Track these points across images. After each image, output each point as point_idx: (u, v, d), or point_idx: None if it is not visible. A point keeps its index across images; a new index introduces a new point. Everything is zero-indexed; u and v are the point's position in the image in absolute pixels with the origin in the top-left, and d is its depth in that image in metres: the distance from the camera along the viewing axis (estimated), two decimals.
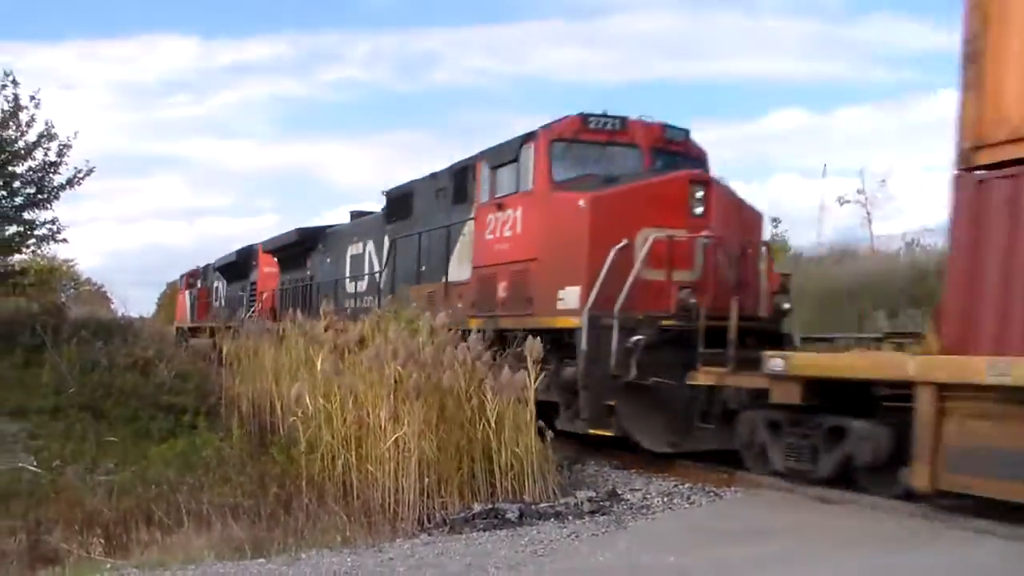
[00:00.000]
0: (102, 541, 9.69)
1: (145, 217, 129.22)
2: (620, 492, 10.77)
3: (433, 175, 16.30)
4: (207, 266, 30.97)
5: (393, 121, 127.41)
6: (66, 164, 22.36)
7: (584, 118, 13.28)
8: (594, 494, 10.50)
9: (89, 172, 22.66)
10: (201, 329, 26.70)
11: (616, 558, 7.89)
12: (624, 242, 11.68)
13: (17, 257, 24.31)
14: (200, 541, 9.24)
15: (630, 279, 11.43)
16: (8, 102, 21.60)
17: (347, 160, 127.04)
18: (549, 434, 10.81)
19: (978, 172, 8.60)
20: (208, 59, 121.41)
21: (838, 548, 8.03)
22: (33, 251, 24.37)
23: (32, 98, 21.83)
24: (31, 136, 21.94)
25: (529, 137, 13.34)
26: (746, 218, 13.34)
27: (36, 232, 22.67)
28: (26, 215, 22.47)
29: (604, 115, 13.45)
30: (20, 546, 9.69)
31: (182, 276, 35.59)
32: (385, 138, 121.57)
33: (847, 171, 62.01)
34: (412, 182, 17.09)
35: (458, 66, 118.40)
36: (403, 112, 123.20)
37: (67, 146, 22.17)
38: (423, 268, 16.00)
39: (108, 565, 8.60)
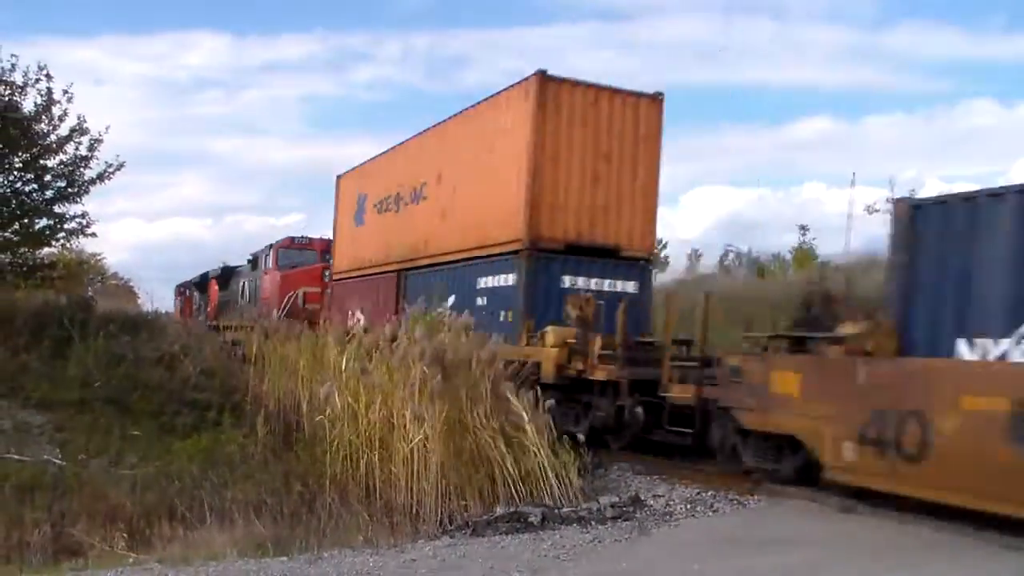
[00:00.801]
0: (125, 535, 9.75)
1: (173, 213, 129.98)
2: (643, 498, 10.71)
3: (262, 250, 30.06)
4: (189, 281, 42.19)
5: (423, 122, 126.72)
6: (96, 159, 22.55)
7: (292, 239, 28.64)
8: (617, 499, 10.45)
9: (119, 167, 22.85)
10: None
11: (640, 565, 7.85)
12: (292, 293, 25.87)
13: (46, 250, 24.51)
14: (223, 538, 9.28)
15: (288, 307, 24.83)
16: (41, 96, 21.78)
17: None
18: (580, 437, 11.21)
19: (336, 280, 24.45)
20: (239, 57, 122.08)
21: (862, 559, 7.97)
22: (63, 244, 24.48)
23: (65, 92, 22.02)
24: (63, 130, 22.15)
25: (272, 246, 28.62)
26: None
27: (66, 226, 22.82)
28: (56, 208, 22.64)
29: (302, 237, 28.86)
30: (44, 538, 9.74)
31: (176, 287, 46.67)
32: None
33: (876, 180, 61.76)
34: (258, 251, 30.73)
35: (489, 68, 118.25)
36: (433, 113, 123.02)
37: (98, 141, 22.37)
38: (257, 297, 29.79)
39: (131, 559, 8.64)
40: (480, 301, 15.43)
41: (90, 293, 31.89)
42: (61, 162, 22.34)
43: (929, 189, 32.75)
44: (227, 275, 34.59)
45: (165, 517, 10.28)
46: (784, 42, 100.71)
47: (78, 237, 23.66)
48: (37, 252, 23.79)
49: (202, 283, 38.54)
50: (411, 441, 10.40)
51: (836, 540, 8.65)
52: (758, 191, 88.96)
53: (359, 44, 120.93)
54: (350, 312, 21.24)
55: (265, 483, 11.28)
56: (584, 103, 15.00)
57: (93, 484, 11.58)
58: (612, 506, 10.09)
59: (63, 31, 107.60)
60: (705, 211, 76.01)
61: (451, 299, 15.75)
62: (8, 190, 22.02)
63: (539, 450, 10.64)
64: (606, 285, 14.90)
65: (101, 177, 22.65)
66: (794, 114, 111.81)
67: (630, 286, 15.21)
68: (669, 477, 12.03)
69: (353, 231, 22.97)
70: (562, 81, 14.85)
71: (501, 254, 15.09)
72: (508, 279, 14.88)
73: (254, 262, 31.00)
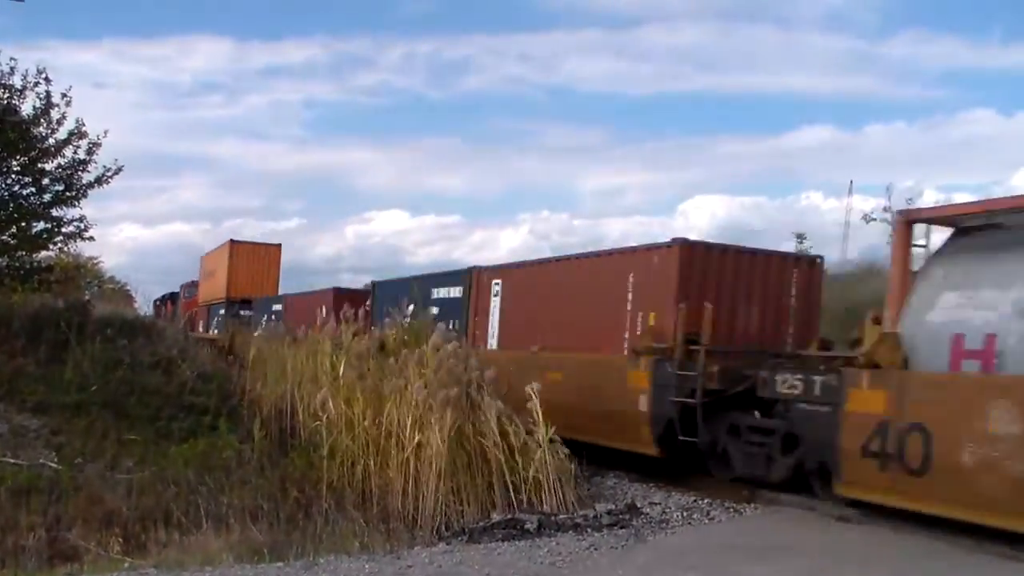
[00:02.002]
0: (120, 540, 9.72)
1: (172, 217, 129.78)
2: (639, 505, 10.74)
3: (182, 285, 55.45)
4: (160, 297, 58.40)
5: (425, 127, 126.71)
6: (95, 162, 22.48)
7: (193, 282, 51.80)
8: (613, 507, 10.48)
9: (118, 171, 22.73)
10: None
11: (635, 572, 7.85)
12: (189, 311, 46.62)
13: (43, 254, 24.44)
14: (218, 543, 9.26)
15: (186, 318, 40.37)
16: (40, 99, 21.74)
17: (377, 165, 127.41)
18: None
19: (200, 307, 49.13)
20: (241, 61, 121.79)
21: (857, 567, 7.99)
22: (60, 248, 24.40)
23: (63, 96, 21.97)
24: (61, 134, 22.08)
25: (183, 286, 54.79)
26: None
27: (63, 229, 22.76)
28: (54, 212, 22.57)
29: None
30: (39, 542, 9.69)
31: (154, 300, 59.34)
32: (416, 144, 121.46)
33: (874, 188, 62.00)
34: (182, 285, 54.83)
35: (492, 74, 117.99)
36: (435, 118, 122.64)
37: (97, 144, 22.29)
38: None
39: (126, 564, 8.63)
40: (218, 319, 37.80)
41: (87, 297, 31.80)
42: (59, 165, 22.24)
43: (927, 198, 32.67)
44: (174, 296, 55.06)
45: (161, 522, 10.24)
46: (786, 50, 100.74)
47: (76, 241, 23.59)
48: (34, 256, 23.68)
49: (164, 299, 56.88)
50: (408, 448, 10.40)
51: (832, 549, 8.67)
52: (755, 199, 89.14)
53: (361, 49, 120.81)
54: (199, 324, 41.74)
55: (261, 488, 11.26)
56: (253, 249, 40.14)
57: (89, 488, 11.54)
58: (608, 513, 10.11)
59: (65, 34, 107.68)
60: (702, 219, 76.24)
61: (215, 320, 38.73)
62: (6, 193, 21.93)
63: (541, 456, 10.65)
64: None
65: (99, 181, 22.55)
66: (794, 122, 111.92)
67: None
68: (665, 485, 12.04)
69: (203, 283, 46.94)
70: (243, 243, 40.43)
71: (222, 302, 38.72)
72: (223, 312, 37.95)
73: (181, 291, 54.04)
